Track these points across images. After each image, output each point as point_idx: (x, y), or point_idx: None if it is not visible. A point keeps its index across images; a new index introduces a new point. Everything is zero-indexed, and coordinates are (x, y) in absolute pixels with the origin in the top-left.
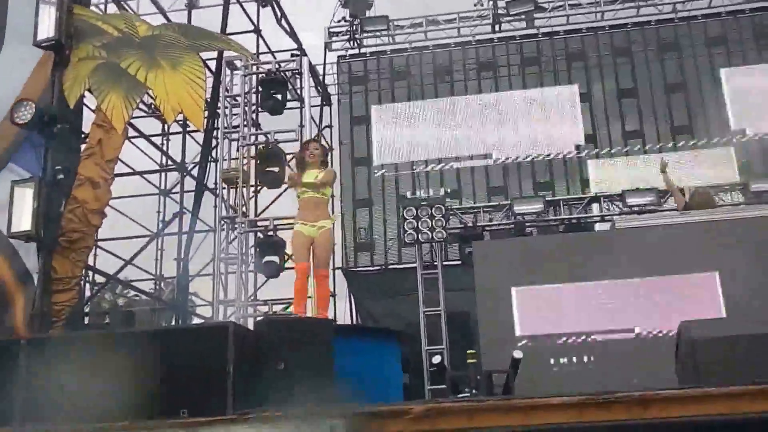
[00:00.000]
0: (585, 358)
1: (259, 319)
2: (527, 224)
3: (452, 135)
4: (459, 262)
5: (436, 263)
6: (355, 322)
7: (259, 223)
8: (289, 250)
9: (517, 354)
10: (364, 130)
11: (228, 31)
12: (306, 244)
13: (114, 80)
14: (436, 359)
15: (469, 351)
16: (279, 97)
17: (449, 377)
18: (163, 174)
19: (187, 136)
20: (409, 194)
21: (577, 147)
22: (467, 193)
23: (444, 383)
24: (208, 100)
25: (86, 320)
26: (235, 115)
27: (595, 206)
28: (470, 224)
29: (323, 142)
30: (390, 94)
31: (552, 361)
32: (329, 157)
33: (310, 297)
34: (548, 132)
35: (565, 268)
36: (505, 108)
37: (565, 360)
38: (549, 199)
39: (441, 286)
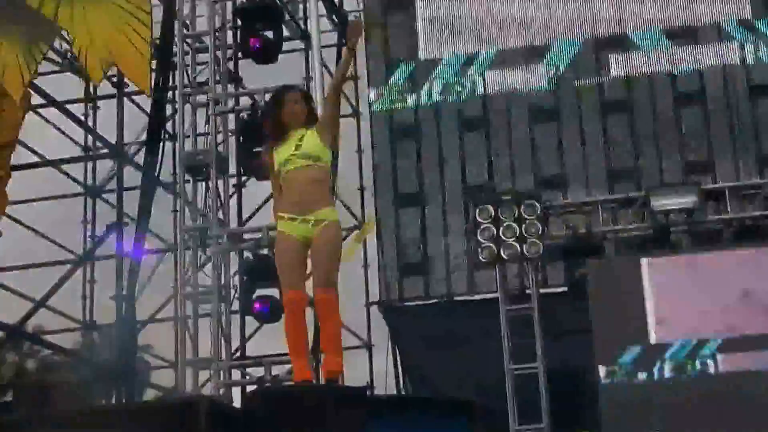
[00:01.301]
0: None
1: (249, 390)
2: (672, 229)
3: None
4: (565, 290)
5: (529, 292)
6: (399, 390)
7: (245, 236)
8: None
9: None
10: (409, 81)
11: None
12: (297, 253)
13: (6, 19)
14: None
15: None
16: (270, 34)
17: None
18: (89, 163)
19: (126, 101)
20: (482, 183)
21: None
22: (576, 179)
23: None
24: (157, 44)
25: None
26: (201, 65)
27: None
28: (582, 230)
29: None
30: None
31: None
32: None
33: None
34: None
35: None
36: None
37: None
38: (707, 187)
39: (538, 328)
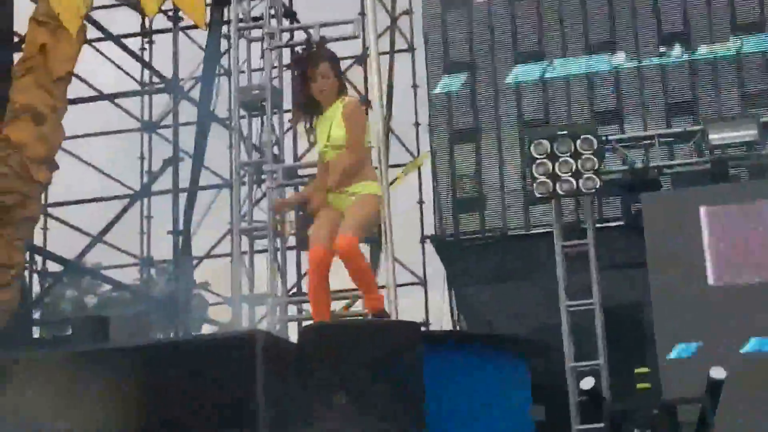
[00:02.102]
0: None
1: (305, 325)
2: (732, 163)
3: None
4: (621, 225)
5: (585, 227)
6: (454, 327)
7: (300, 172)
8: None
9: (717, 373)
10: (464, 16)
11: None
12: (329, 221)
13: None
14: (588, 383)
15: (638, 370)
16: None
17: (609, 411)
18: (145, 98)
19: (181, 36)
20: (538, 117)
21: None
22: (631, 110)
23: (600, 420)
24: None
25: (36, 331)
26: (255, 0)
27: None
28: (639, 165)
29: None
30: None
31: None
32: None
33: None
34: None
35: None
36: None
37: None
38: (767, 120)
39: (594, 264)
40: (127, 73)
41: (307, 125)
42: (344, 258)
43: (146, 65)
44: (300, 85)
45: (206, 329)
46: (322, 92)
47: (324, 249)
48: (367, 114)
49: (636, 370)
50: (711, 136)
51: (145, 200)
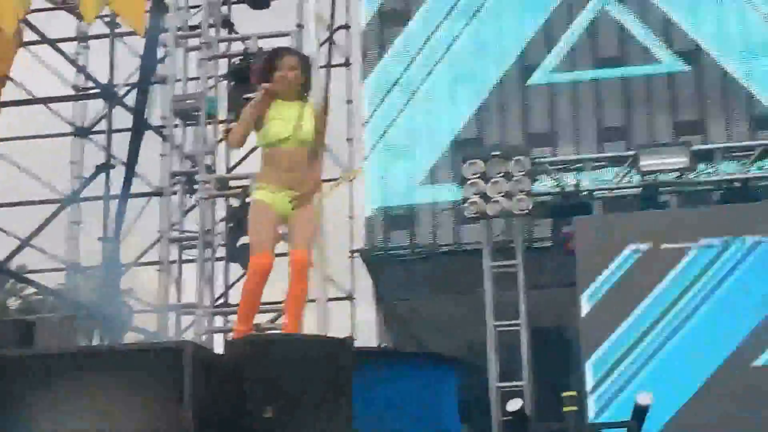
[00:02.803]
0: None
1: (233, 337)
2: (662, 188)
3: None
4: (550, 246)
5: (513, 246)
6: (381, 341)
7: (232, 183)
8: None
9: (643, 399)
10: (401, 32)
11: None
12: (270, 223)
13: None
14: (514, 404)
15: (566, 393)
16: None
17: None
18: (79, 104)
19: (118, 42)
20: (471, 139)
21: None
22: (565, 136)
23: None
24: None
25: None
26: (194, 8)
27: None
28: (571, 187)
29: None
30: None
31: None
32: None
33: None
34: None
35: None
36: None
37: None
38: (697, 148)
39: (521, 284)
40: (62, 78)
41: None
42: (301, 273)
43: (81, 70)
44: (263, 74)
45: (131, 337)
46: (284, 79)
47: (268, 255)
48: None
49: (563, 394)
50: (642, 162)
51: (75, 206)
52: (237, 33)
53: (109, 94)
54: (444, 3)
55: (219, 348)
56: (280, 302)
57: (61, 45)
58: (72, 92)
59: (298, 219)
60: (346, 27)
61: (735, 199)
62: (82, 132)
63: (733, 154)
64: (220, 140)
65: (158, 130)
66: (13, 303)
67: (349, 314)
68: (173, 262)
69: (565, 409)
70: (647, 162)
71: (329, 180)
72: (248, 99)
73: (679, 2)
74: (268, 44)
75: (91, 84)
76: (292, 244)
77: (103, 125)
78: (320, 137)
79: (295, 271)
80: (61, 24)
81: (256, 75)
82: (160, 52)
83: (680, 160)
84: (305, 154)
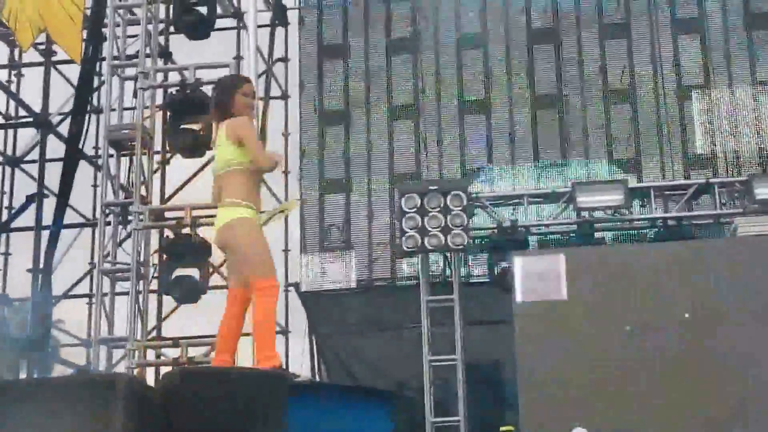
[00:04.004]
0: None
1: (167, 371)
2: (597, 226)
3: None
4: (487, 281)
5: (450, 280)
6: (314, 375)
7: (167, 214)
8: (216, 259)
9: None
10: (340, 66)
11: None
12: (230, 260)
13: None
14: None
15: (504, 428)
16: (204, 10)
17: None
18: (11, 132)
19: (53, 70)
20: (409, 173)
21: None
22: (503, 173)
23: None
24: (89, 14)
25: None
26: (131, 38)
27: (704, 199)
28: (507, 224)
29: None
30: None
31: None
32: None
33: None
34: None
35: (660, 298)
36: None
37: None
38: (633, 186)
39: (458, 319)
40: None
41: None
42: (260, 300)
43: (14, 98)
44: (225, 98)
45: (59, 371)
46: (247, 107)
47: (240, 289)
48: None
49: (501, 428)
50: (579, 199)
51: (4, 236)
52: (174, 63)
53: (42, 122)
54: (382, 37)
55: (151, 383)
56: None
57: None
58: (2, 120)
59: (244, 252)
60: (285, 60)
61: (671, 236)
62: (12, 161)
63: (667, 193)
64: (155, 171)
65: (92, 160)
66: None
67: (284, 348)
68: (105, 294)
69: None
70: (584, 198)
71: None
72: (187, 131)
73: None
74: (206, 75)
75: (23, 112)
76: (245, 272)
77: (35, 154)
78: (249, 146)
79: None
80: None
81: (218, 98)
82: (95, 81)
83: (616, 198)
84: (235, 173)
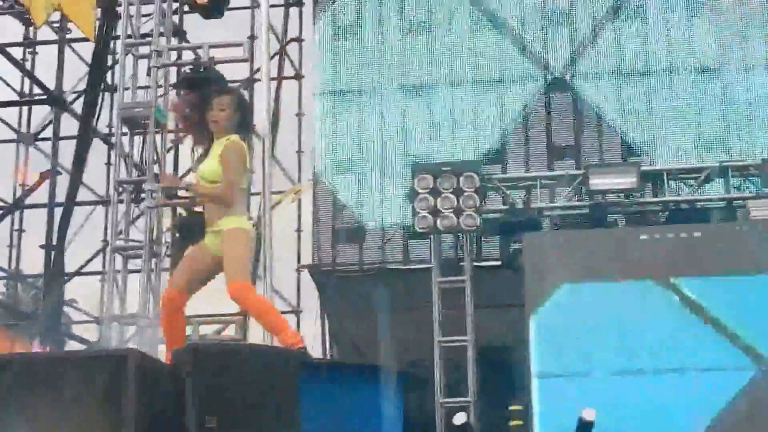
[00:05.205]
0: None
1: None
2: (610, 209)
3: None
4: (499, 264)
5: (463, 264)
6: (326, 356)
7: (180, 192)
8: None
9: (589, 414)
10: (355, 46)
11: None
12: (191, 271)
13: None
14: (459, 418)
15: (511, 407)
16: None
17: None
18: (25, 109)
19: (67, 48)
20: (423, 155)
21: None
22: (516, 155)
23: None
24: None
25: None
26: (146, 17)
27: (717, 183)
28: (520, 205)
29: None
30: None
31: None
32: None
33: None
34: None
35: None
36: None
37: None
38: (646, 169)
39: (469, 300)
40: (7, 84)
41: (199, 150)
42: (240, 305)
43: (28, 75)
44: (197, 106)
45: (71, 347)
46: (214, 122)
47: (176, 292)
48: (251, 138)
49: (509, 407)
50: (592, 182)
51: (18, 213)
52: (188, 42)
53: (56, 100)
54: (397, 17)
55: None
56: (224, 314)
57: (7, 49)
58: (17, 98)
59: (225, 252)
60: (299, 40)
61: (682, 219)
62: (26, 138)
63: (680, 175)
64: (169, 149)
65: (105, 138)
66: None
67: (296, 328)
68: (118, 271)
69: (511, 423)
70: (596, 181)
71: (279, 192)
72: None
73: None
74: (219, 54)
75: (37, 90)
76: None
77: (49, 132)
78: (224, 175)
79: (238, 301)
80: (7, 28)
81: (189, 112)
82: (109, 60)
83: (629, 180)
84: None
